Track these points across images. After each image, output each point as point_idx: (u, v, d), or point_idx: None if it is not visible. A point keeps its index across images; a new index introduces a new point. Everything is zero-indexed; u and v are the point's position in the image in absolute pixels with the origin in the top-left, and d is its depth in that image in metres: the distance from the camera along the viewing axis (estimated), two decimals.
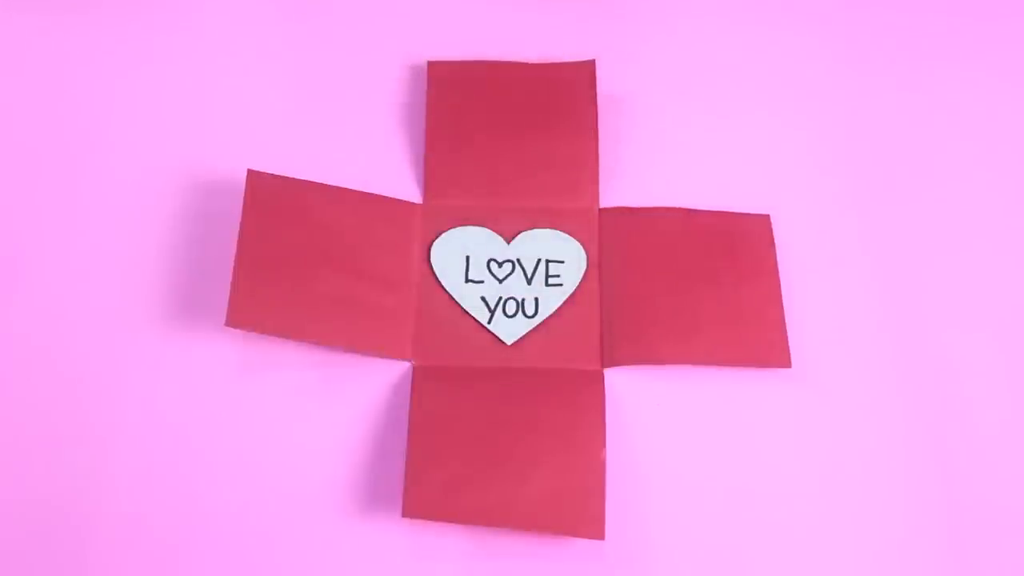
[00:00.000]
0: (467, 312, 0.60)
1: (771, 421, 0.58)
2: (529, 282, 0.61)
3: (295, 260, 0.59)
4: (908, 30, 0.72)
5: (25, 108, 0.67)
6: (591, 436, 0.56)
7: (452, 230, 0.62)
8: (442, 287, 0.61)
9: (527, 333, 0.60)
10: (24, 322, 0.59)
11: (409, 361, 0.59)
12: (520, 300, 0.60)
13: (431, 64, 0.69)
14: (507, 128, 0.66)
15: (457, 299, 0.60)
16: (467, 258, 0.62)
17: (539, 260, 0.62)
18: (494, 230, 0.62)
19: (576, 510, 0.53)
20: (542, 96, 0.67)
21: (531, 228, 0.63)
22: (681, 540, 0.55)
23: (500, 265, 0.61)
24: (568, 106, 0.67)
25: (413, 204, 0.64)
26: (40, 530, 0.54)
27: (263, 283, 0.58)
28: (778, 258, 0.62)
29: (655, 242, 0.62)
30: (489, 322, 0.60)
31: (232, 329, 0.57)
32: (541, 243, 0.62)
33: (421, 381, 0.58)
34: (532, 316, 0.60)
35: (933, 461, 0.57)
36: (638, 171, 0.65)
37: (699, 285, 0.61)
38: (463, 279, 0.61)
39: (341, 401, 0.58)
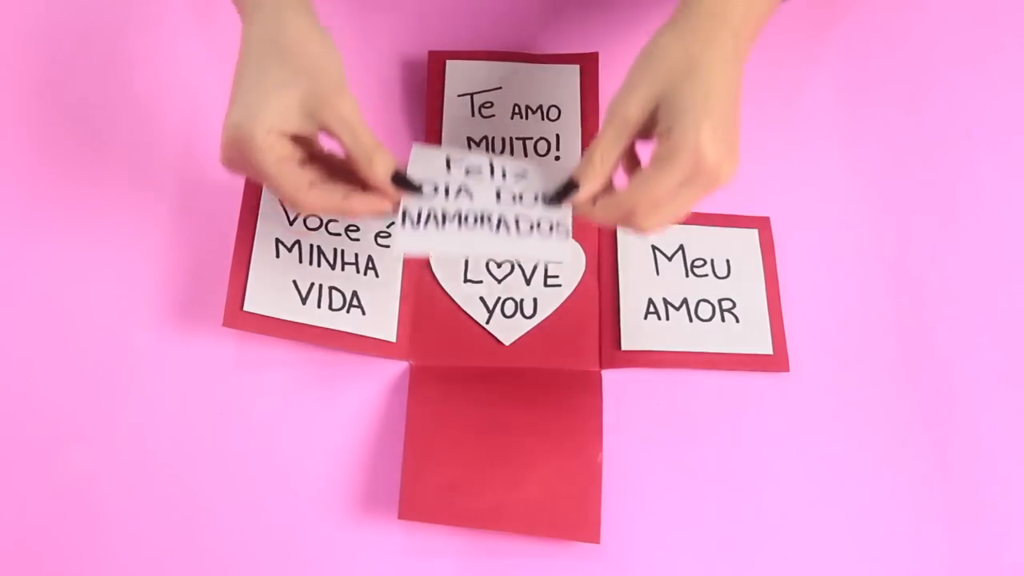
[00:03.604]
0: (465, 312, 0.60)
1: (768, 424, 0.58)
2: (528, 282, 0.61)
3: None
4: (910, 31, 0.71)
5: (24, 108, 0.67)
6: (588, 439, 0.56)
7: None
8: (441, 287, 0.61)
9: (525, 333, 0.60)
10: (23, 321, 0.59)
11: (407, 361, 0.59)
12: (519, 300, 0.60)
13: (431, 54, 0.68)
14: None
15: (456, 299, 0.60)
16: (466, 258, 0.61)
17: (538, 261, 0.61)
18: None
19: (572, 514, 0.54)
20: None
21: None
22: (676, 543, 0.55)
23: (499, 266, 0.61)
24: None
25: None
26: (40, 526, 0.54)
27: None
28: (778, 259, 0.62)
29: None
30: (487, 322, 0.60)
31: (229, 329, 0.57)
32: None
33: (418, 381, 0.58)
34: (531, 316, 0.60)
35: (932, 463, 0.57)
36: None
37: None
38: (462, 279, 0.61)
39: (339, 401, 0.58)
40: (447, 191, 0.51)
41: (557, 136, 0.65)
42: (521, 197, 0.51)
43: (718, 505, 0.56)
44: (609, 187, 0.51)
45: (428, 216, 0.50)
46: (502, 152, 0.64)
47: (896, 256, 0.63)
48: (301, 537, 0.54)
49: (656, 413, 0.58)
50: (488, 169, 0.52)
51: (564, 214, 0.51)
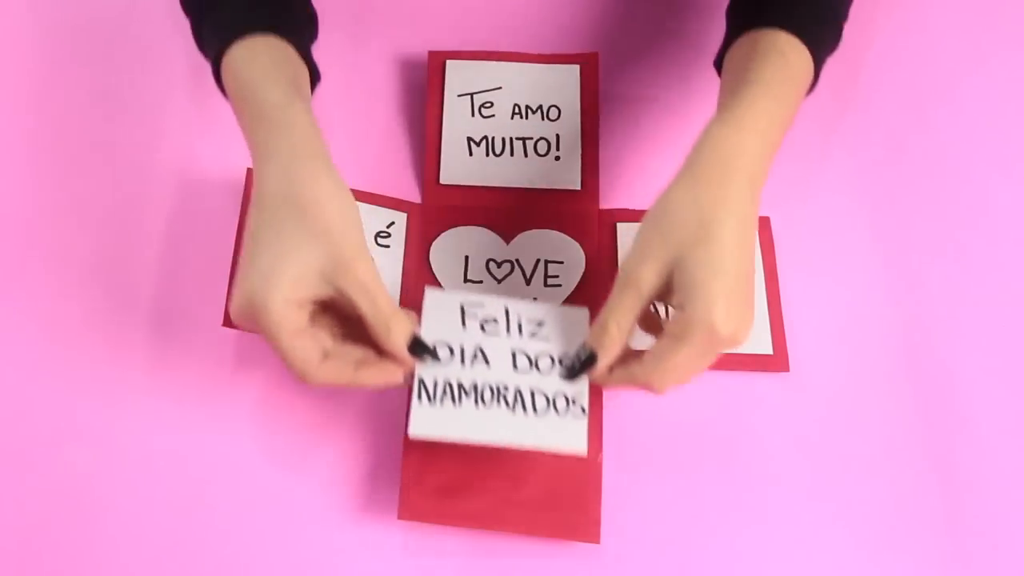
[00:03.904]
0: None
1: (768, 424, 0.58)
2: (528, 283, 0.61)
3: None
4: (910, 33, 0.72)
5: (24, 107, 0.67)
6: (588, 439, 0.56)
7: (452, 230, 0.62)
8: (441, 287, 0.60)
9: None
10: (22, 321, 0.60)
11: None
12: None
13: (431, 54, 0.68)
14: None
15: None
16: (466, 258, 0.61)
17: (538, 261, 0.61)
18: (494, 230, 0.62)
19: (572, 514, 0.54)
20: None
21: (530, 228, 0.62)
22: (676, 543, 0.55)
23: (499, 265, 0.61)
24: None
25: (413, 204, 0.63)
26: (40, 526, 0.54)
27: None
28: (778, 259, 0.62)
29: None
30: None
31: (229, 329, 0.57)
32: (540, 243, 0.62)
33: None
34: None
35: (932, 463, 0.57)
36: (638, 171, 0.65)
37: None
38: (462, 279, 0.61)
39: (339, 401, 0.58)
40: (463, 355, 0.51)
41: (557, 136, 0.65)
42: (537, 363, 0.51)
43: (718, 505, 0.56)
44: (625, 350, 0.50)
45: (444, 389, 0.50)
46: (501, 153, 0.65)
47: (896, 255, 0.63)
48: (301, 537, 0.54)
49: (656, 413, 0.58)
50: (504, 321, 0.53)
51: (580, 389, 0.51)
